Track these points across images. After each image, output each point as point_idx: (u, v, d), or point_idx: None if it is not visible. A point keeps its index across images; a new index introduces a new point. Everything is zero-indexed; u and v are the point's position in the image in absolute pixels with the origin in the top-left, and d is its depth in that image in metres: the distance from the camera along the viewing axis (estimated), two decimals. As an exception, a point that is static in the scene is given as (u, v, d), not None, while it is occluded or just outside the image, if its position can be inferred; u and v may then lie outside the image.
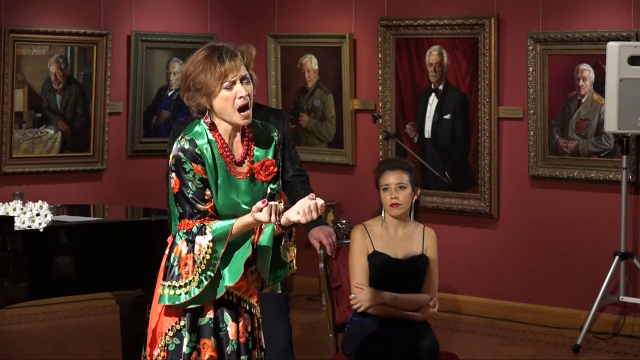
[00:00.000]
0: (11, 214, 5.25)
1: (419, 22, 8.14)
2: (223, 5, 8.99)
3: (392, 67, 8.31)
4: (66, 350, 6.98)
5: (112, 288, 5.77)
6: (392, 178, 5.02)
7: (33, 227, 5.25)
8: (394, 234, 5.07)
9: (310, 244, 5.30)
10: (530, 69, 7.69)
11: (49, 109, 8.10)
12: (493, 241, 8.00)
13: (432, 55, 8.13)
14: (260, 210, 3.67)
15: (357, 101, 8.56)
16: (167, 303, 3.77)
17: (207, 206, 3.77)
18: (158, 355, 3.84)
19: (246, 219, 3.73)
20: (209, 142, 3.79)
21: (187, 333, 3.79)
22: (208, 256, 3.73)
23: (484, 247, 8.04)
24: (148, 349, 3.88)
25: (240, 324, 3.87)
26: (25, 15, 7.96)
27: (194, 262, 3.73)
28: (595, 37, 7.44)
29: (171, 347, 3.81)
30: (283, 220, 3.77)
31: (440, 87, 8.13)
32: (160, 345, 3.83)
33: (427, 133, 8.20)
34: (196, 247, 3.73)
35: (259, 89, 9.73)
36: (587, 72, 7.51)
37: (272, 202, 3.68)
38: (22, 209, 5.29)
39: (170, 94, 8.67)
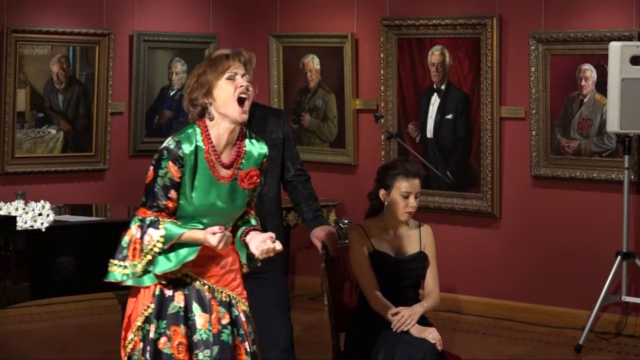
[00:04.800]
0: (13, 213, 5.25)
1: (421, 22, 8.14)
2: (225, 5, 8.99)
3: (394, 67, 8.31)
4: (68, 350, 6.98)
5: (114, 288, 5.76)
6: (413, 187, 5.00)
7: (35, 227, 5.25)
8: (392, 233, 5.07)
9: (312, 243, 5.30)
10: (533, 68, 7.68)
11: (51, 109, 8.10)
12: (495, 241, 8.00)
13: (434, 55, 8.13)
14: (214, 234, 3.87)
15: (359, 101, 8.56)
16: (110, 279, 4.01)
17: (168, 204, 3.97)
18: (132, 340, 4.01)
19: (198, 234, 3.94)
20: (196, 146, 3.97)
21: (154, 319, 3.97)
22: (156, 249, 3.93)
23: (485, 247, 8.04)
24: (123, 332, 4.06)
25: (213, 315, 4.00)
26: (28, 15, 7.96)
27: (142, 250, 3.94)
28: (597, 37, 7.44)
29: (143, 333, 3.99)
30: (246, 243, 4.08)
31: (443, 87, 8.13)
32: (133, 330, 4.01)
33: (429, 133, 8.20)
34: (146, 237, 3.94)
35: (261, 88, 9.78)
36: (589, 72, 7.51)
37: (226, 232, 3.89)
38: (24, 208, 5.29)
39: (172, 93, 8.67)
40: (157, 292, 4.00)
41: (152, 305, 3.98)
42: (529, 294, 7.85)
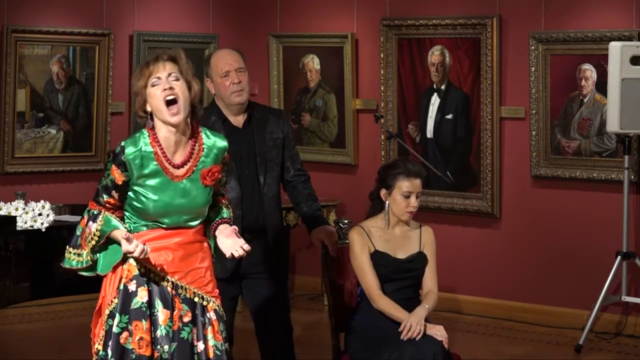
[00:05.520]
0: (13, 213, 5.26)
1: (421, 22, 8.14)
2: (225, 5, 8.99)
3: (394, 67, 8.31)
4: (68, 350, 6.98)
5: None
6: (415, 187, 5.01)
7: (35, 227, 5.26)
8: (392, 233, 5.07)
9: (312, 243, 5.30)
10: (533, 68, 7.68)
11: (51, 109, 8.10)
12: (495, 241, 8.00)
13: (434, 55, 8.13)
14: (130, 242, 3.92)
15: (359, 101, 8.56)
16: (66, 266, 4.13)
17: (110, 201, 4.07)
18: (102, 337, 4.05)
19: (118, 236, 3.99)
20: (141, 150, 4.03)
21: (117, 314, 4.01)
22: (93, 242, 4.07)
23: (485, 247, 8.04)
24: (92, 328, 4.13)
25: (175, 312, 4.04)
26: (28, 15, 7.96)
27: (86, 240, 4.07)
28: (597, 37, 7.44)
29: (106, 327, 4.04)
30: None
31: (443, 87, 8.13)
32: (103, 326, 4.06)
33: (429, 133, 8.20)
34: (87, 229, 4.06)
35: (261, 88, 9.76)
36: (589, 72, 7.51)
37: (139, 245, 3.93)
38: (24, 208, 5.30)
39: (172, 93, 8.67)
40: (121, 287, 4.04)
41: (116, 300, 4.03)
42: (529, 294, 7.85)
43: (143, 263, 4.05)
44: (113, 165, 4.05)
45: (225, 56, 5.22)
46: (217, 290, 4.18)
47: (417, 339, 4.80)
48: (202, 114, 4.25)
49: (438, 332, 4.85)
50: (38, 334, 7.43)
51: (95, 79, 8.26)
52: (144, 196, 4.03)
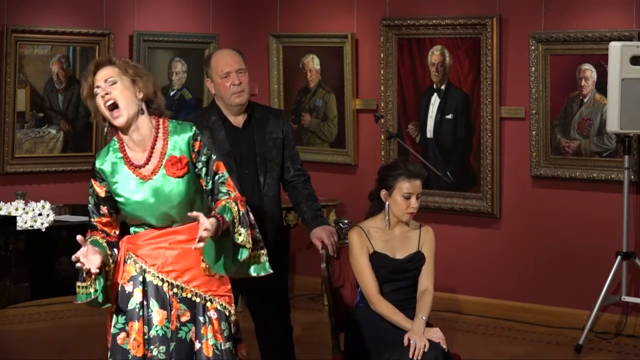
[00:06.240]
0: (13, 213, 5.26)
1: (421, 22, 8.14)
2: (225, 5, 8.99)
3: (394, 67, 8.31)
4: (68, 350, 6.98)
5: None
6: (415, 188, 5.00)
7: (35, 227, 5.25)
8: (391, 234, 5.07)
9: (312, 243, 5.30)
10: (533, 68, 7.68)
11: (51, 109, 8.10)
12: (495, 241, 8.00)
13: (434, 55, 8.13)
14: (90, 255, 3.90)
15: (359, 101, 8.56)
16: (78, 302, 4.06)
17: (102, 220, 4.08)
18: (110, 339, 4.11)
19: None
20: (111, 158, 4.07)
21: (115, 315, 4.06)
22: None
23: (485, 247, 8.04)
24: (108, 330, 4.15)
25: (172, 312, 4.03)
26: (28, 15, 7.96)
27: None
28: (597, 37, 7.44)
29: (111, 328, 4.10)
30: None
31: (443, 87, 8.13)
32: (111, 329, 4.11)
33: (429, 133, 8.20)
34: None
35: (261, 88, 9.77)
36: (589, 72, 7.51)
37: (83, 252, 3.85)
38: (24, 208, 5.30)
39: (172, 93, 8.67)
40: (119, 289, 4.06)
41: (116, 301, 4.07)
42: (529, 294, 7.85)
43: (140, 264, 4.05)
44: (92, 180, 4.08)
45: (226, 57, 5.22)
46: (226, 288, 4.14)
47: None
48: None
49: (435, 334, 4.85)
50: (38, 334, 7.43)
51: (95, 79, 8.25)
52: (123, 202, 4.05)
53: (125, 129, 4.07)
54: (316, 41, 8.72)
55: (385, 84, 8.33)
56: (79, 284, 4.05)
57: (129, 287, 4.05)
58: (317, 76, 8.74)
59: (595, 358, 7.00)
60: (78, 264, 3.88)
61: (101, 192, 4.07)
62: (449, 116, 8.11)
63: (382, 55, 8.33)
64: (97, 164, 4.07)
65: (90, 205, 4.10)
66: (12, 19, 7.87)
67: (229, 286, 4.18)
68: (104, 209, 4.08)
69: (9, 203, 5.37)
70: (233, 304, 4.18)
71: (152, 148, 4.07)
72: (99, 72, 4.05)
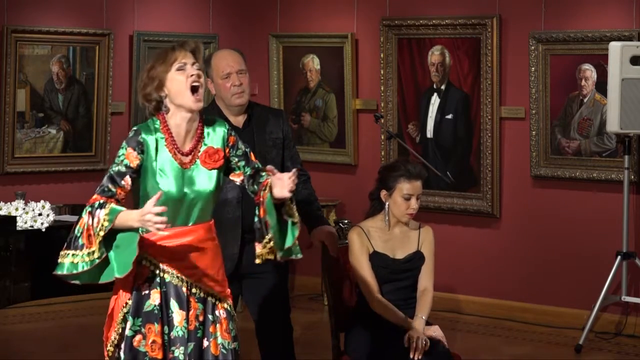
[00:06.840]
0: (13, 213, 5.26)
1: (421, 22, 8.14)
2: (225, 5, 8.99)
3: (394, 67, 8.31)
4: (68, 350, 6.98)
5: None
6: (415, 189, 5.01)
7: (35, 227, 5.26)
8: (391, 234, 5.07)
9: (312, 243, 5.30)
10: (533, 69, 7.69)
11: (51, 109, 8.10)
12: (495, 241, 8.00)
13: (434, 55, 8.13)
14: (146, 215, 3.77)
15: (359, 101, 8.57)
16: (64, 272, 3.93)
17: (119, 190, 3.95)
18: (114, 339, 4.03)
19: (130, 217, 3.85)
20: (156, 135, 4.02)
21: (130, 317, 3.98)
22: (105, 226, 3.86)
23: (485, 247, 8.04)
24: (105, 331, 4.07)
25: (191, 312, 4.01)
26: (28, 15, 7.96)
27: (94, 233, 3.87)
28: (597, 37, 7.44)
29: (119, 330, 4.02)
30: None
31: (443, 87, 8.13)
32: (115, 328, 4.03)
33: (429, 133, 8.20)
34: (95, 219, 3.87)
35: (261, 88, 9.77)
36: (589, 72, 7.51)
37: (156, 217, 3.77)
38: (24, 208, 5.30)
39: (172, 93, 8.67)
40: (134, 290, 4.00)
41: (130, 302, 4.00)
42: (529, 293, 7.85)
43: (157, 264, 4.00)
44: (128, 149, 3.97)
45: (227, 57, 5.22)
46: (229, 290, 4.16)
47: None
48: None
49: (434, 332, 4.85)
50: (38, 333, 7.43)
51: (95, 79, 8.26)
52: (156, 183, 3.98)
53: (186, 115, 4.04)
54: (316, 41, 8.72)
55: (385, 84, 8.33)
56: (67, 252, 3.91)
57: (145, 289, 4.00)
58: (317, 76, 8.75)
59: (595, 358, 7.00)
60: (159, 225, 3.78)
61: (134, 163, 3.97)
62: (449, 116, 8.11)
63: (382, 55, 8.33)
64: (143, 134, 4.00)
65: (112, 172, 3.95)
66: (12, 19, 7.87)
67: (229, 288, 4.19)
68: (128, 179, 3.96)
69: (9, 203, 5.38)
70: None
71: (198, 140, 4.07)
72: (188, 52, 4.04)
